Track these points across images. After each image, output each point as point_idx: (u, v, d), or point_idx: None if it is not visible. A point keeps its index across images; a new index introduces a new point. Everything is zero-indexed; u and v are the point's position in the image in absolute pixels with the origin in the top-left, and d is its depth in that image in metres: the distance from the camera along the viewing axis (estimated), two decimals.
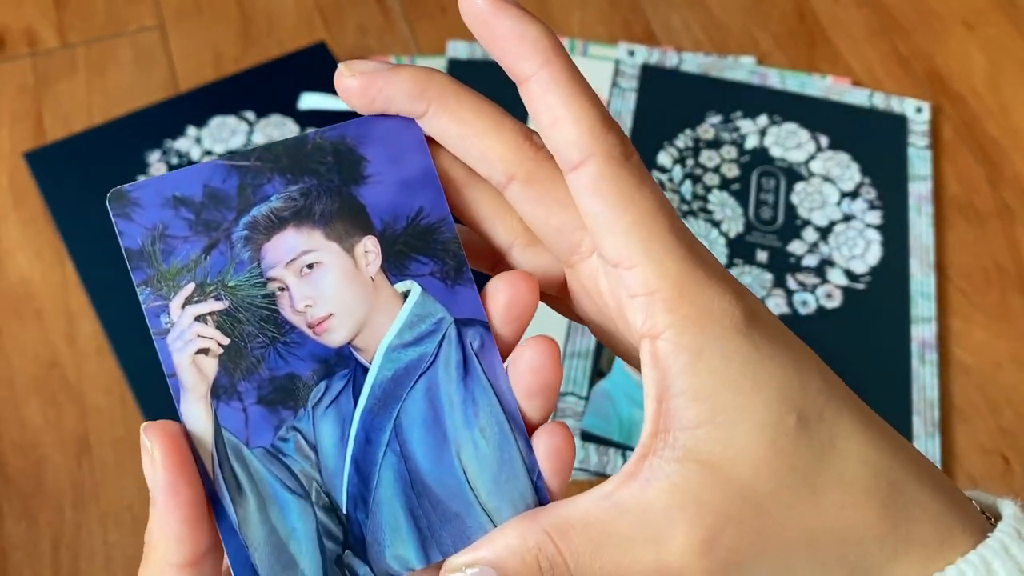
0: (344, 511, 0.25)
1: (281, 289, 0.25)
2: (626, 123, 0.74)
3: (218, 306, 0.25)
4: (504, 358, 0.27)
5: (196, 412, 0.25)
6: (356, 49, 0.78)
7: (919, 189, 0.73)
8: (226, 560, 0.26)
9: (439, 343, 0.26)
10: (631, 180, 0.24)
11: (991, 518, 0.25)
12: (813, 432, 0.23)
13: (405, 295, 0.26)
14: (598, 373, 0.63)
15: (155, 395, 0.59)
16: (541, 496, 0.26)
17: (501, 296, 0.27)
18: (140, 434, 0.24)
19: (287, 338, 0.25)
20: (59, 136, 0.72)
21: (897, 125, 0.76)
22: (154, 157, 0.69)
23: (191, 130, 0.70)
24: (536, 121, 0.25)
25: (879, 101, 0.76)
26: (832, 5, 0.84)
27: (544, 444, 0.26)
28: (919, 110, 0.76)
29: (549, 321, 0.69)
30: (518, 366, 0.26)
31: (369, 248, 0.26)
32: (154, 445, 0.24)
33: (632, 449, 0.61)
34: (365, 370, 0.26)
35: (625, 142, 0.24)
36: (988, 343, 0.68)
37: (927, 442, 0.63)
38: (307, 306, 0.25)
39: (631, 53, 0.77)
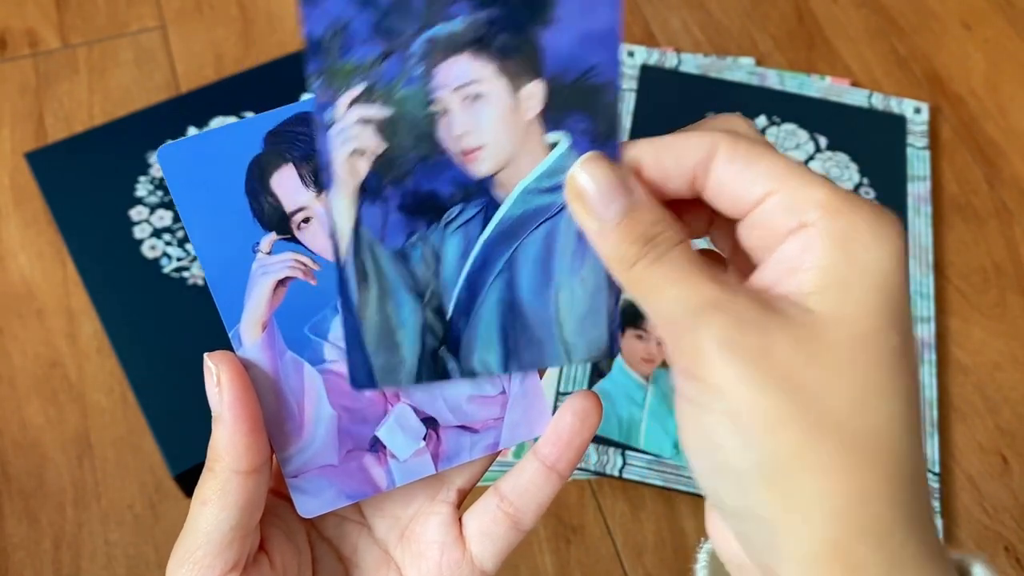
0: (449, 316, 0.28)
1: (444, 112, 0.27)
2: (625, 124, 0.74)
3: (382, 113, 0.26)
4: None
5: (342, 204, 0.27)
6: None
7: (918, 189, 0.73)
8: (275, 470, 0.30)
9: None
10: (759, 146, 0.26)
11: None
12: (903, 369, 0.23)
13: (553, 145, 0.27)
14: (598, 374, 0.63)
15: (156, 395, 0.59)
16: (613, 348, 0.28)
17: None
18: (204, 361, 0.27)
19: (437, 159, 0.27)
20: (60, 136, 0.72)
21: (896, 126, 0.76)
22: (155, 158, 0.69)
23: (192, 131, 0.70)
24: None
25: (878, 102, 0.77)
26: (831, 6, 0.84)
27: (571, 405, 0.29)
28: (918, 111, 0.76)
29: None
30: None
31: (534, 93, 0.27)
32: (220, 369, 0.27)
33: (631, 449, 0.61)
34: (497, 205, 0.28)
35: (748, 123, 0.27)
36: (986, 343, 0.68)
37: (926, 442, 0.63)
38: (464, 134, 0.27)
39: (630, 54, 0.77)
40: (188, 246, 0.65)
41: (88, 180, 0.68)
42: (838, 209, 0.24)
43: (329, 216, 0.27)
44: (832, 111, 0.76)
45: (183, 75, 0.77)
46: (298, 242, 0.28)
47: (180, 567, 0.28)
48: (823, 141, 0.74)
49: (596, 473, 0.61)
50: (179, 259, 0.65)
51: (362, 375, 0.28)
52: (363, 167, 0.27)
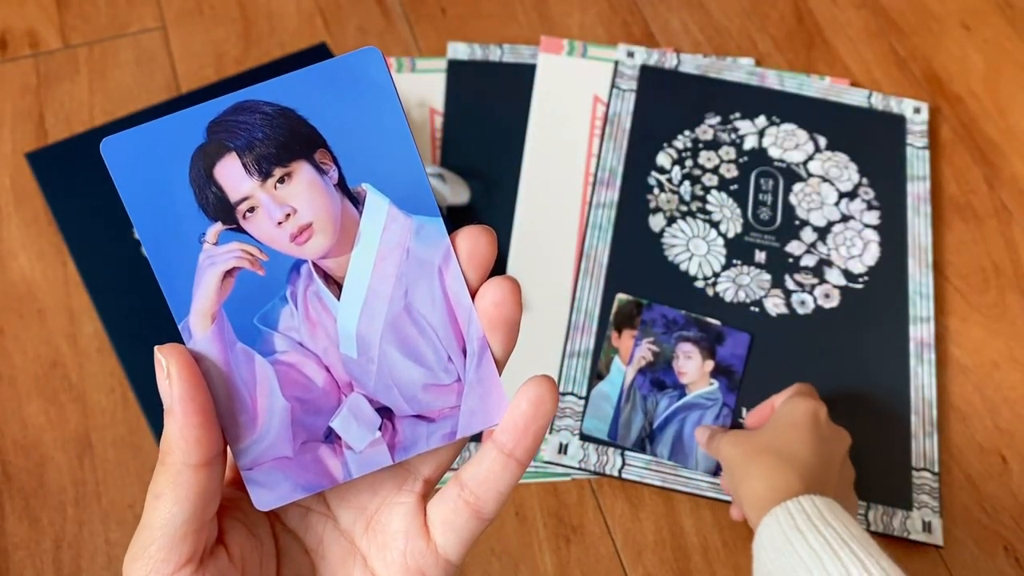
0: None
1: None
2: (625, 124, 0.74)
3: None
4: (473, 296, 0.29)
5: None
6: None
7: (917, 189, 0.73)
8: (231, 462, 0.30)
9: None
10: None
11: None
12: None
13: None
14: (596, 376, 0.64)
15: (156, 395, 0.59)
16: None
17: (464, 246, 0.28)
18: (154, 355, 0.27)
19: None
20: (61, 136, 0.72)
21: (895, 126, 0.76)
22: None
23: None
24: None
25: (877, 102, 0.77)
26: (830, 6, 0.84)
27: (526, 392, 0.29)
28: (917, 111, 0.76)
29: (549, 317, 0.69)
30: (482, 301, 0.28)
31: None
32: (169, 362, 0.27)
33: (630, 449, 0.61)
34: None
35: None
36: (985, 342, 0.68)
37: (925, 441, 0.63)
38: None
39: (630, 54, 0.77)
40: None
41: (88, 180, 0.68)
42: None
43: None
44: (831, 111, 0.76)
45: (183, 75, 0.77)
46: (244, 232, 0.28)
47: (135, 562, 0.27)
48: (822, 141, 0.74)
49: (596, 473, 0.61)
50: None
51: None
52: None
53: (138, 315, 0.62)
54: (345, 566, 0.31)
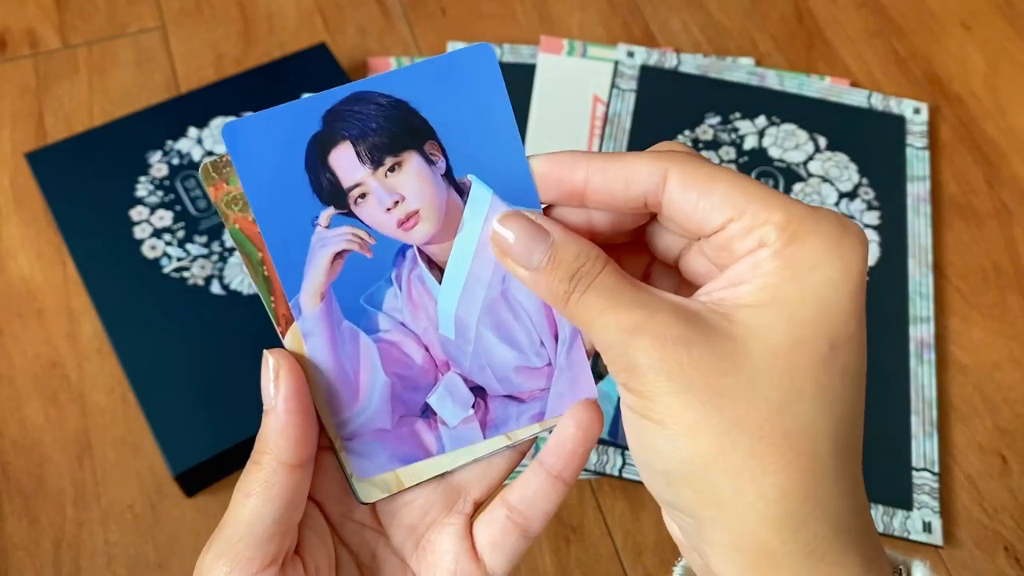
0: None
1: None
2: (625, 124, 0.74)
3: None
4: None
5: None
6: (357, 50, 0.78)
7: (917, 190, 0.73)
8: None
9: None
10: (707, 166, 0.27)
11: None
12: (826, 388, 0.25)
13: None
14: (597, 376, 0.63)
15: (156, 395, 0.59)
16: None
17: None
18: (263, 356, 0.28)
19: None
20: (60, 137, 0.72)
21: (895, 126, 0.76)
22: (155, 158, 0.69)
23: (192, 131, 0.70)
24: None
25: (877, 102, 0.77)
26: (830, 6, 0.84)
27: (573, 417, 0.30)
28: (917, 111, 0.76)
29: None
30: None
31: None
32: (279, 363, 0.28)
33: (627, 448, 0.61)
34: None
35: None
36: (986, 343, 0.68)
37: (925, 442, 0.63)
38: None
39: (630, 54, 0.77)
40: (188, 246, 0.65)
41: (88, 180, 0.68)
42: (795, 231, 0.25)
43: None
44: (831, 111, 0.76)
45: (183, 75, 0.77)
46: (355, 217, 0.29)
47: (218, 559, 0.28)
48: (822, 141, 0.74)
49: (596, 473, 0.61)
50: (179, 259, 0.65)
51: None
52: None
53: (138, 315, 0.62)
54: None
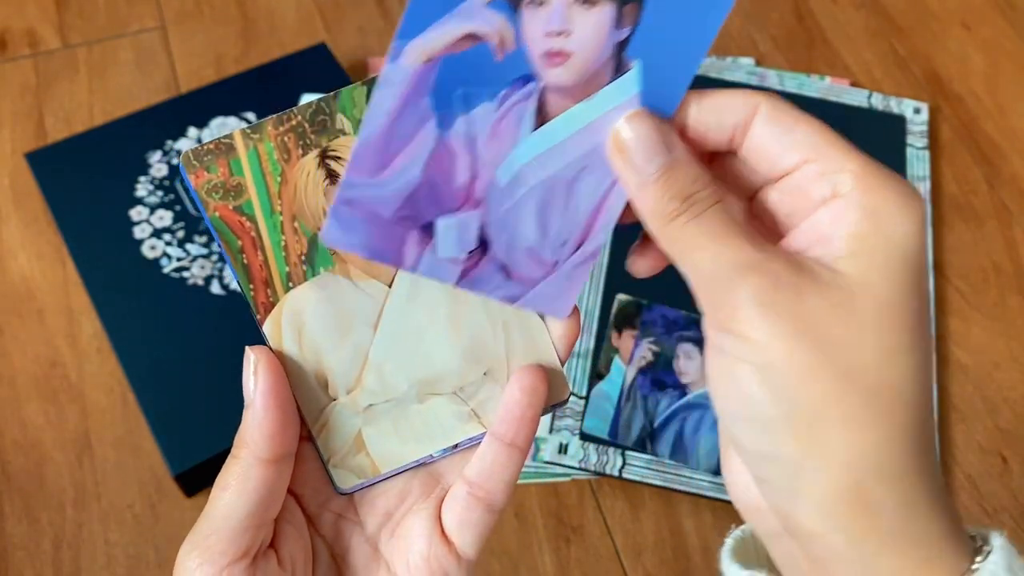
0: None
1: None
2: None
3: None
4: None
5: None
6: (357, 50, 0.78)
7: (917, 189, 0.73)
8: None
9: None
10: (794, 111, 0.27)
11: (982, 546, 0.26)
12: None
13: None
14: (597, 375, 0.63)
15: (156, 395, 0.59)
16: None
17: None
18: (244, 353, 0.29)
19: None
20: (60, 137, 0.72)
21: (895, 126, 0.76)
22: (155, 158, 0.69)
23: (192, 131, 0.70)
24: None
25: (877, 102, 0.77)
26: (830, 6, 0.84)
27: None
28: (917, 111, 0.76)
29: None
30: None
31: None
32: (258, 359, 0.28)
33: (630, 448, 0.61)
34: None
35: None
36: (986, 343, 0.68)
37: None
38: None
39: None
40: (188, 246, 0.65)
41: (88, 180, 0.68)
42: (870, 182, 0.25)
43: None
44: (832, 111, 0.76)
45: (183, 75, 0.77)
46: (516, 13, 0.27)
47: (191, 551, 0.28)
48: None
49: (596, 473, 0.61)
50: (179, 259, 0.65)
51: None
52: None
53: (138, 315, 0.62)
54: (369, 571, 0.32)
